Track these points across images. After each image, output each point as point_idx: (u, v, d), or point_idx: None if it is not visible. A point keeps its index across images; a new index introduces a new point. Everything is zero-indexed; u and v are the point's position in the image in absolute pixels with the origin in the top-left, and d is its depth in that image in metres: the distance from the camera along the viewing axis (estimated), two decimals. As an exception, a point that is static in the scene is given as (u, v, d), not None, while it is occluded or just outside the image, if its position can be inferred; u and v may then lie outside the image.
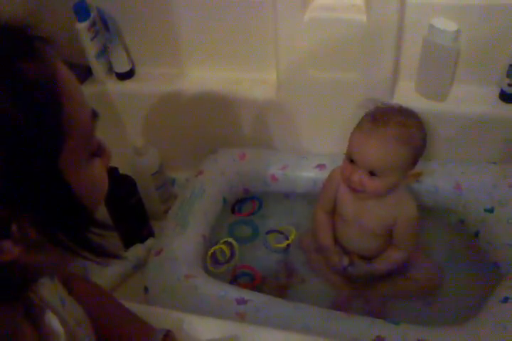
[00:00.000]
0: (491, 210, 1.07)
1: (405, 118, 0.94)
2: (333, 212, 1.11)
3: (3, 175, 0.34)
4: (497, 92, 1.10)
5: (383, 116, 0.93)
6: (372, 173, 0.93)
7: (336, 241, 1.10)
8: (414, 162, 0.96)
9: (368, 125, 0.93)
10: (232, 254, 1.17)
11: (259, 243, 1.21)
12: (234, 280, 1.13)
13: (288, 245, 1.19)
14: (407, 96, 1.12)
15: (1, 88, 0.34)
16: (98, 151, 0.43)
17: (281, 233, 1.22)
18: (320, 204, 1.12)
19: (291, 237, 1.20)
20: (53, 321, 0.48)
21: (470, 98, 1.11)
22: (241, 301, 0.90)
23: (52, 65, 0.38)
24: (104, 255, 0.42)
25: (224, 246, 1.17)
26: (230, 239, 1.18)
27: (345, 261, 1.05)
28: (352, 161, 0.96)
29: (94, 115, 0.42)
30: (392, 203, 1.01)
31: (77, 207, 0.40)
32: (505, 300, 0.90)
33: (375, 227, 1.04)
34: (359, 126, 0.96)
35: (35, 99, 0.35)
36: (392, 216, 1.01)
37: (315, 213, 1.13)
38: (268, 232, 1.23)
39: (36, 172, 0.36)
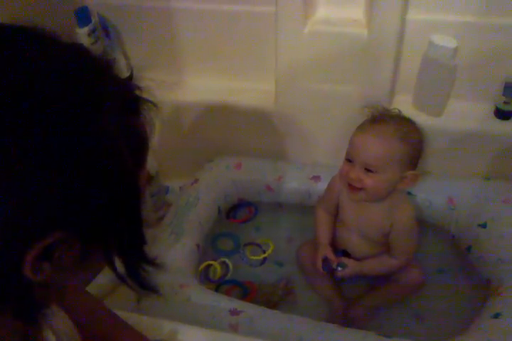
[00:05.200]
0: (483, 225, 1.08)
1: (403, 119, 1.00)
2: (336, 216, 1.11)
3: (101, 207, 0.37)
4: (492, 109, 1.11)
5: (382, 116, 0.98)
6: (368, 170, 0.94)
7: (336, 246, 1.10)
8: (411, 162, 0.97)
9: (367, 125, 0.98)
10: (226, 274, 1.15)
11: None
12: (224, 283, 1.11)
13: (264, 258, 1.18)
14: (404, 110, 1.11)
15: (121, 134, 0.37)
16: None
17: (259, 246, 1.21)
18: (321, 204, 1.12)
19: (268, 251, 1.19)
20: (51, 338, 0.47)
21: (466, 114, 1.13)
22: (234, 312, 0.90)
23: (147, 122, 0.44)
24: (147, 289, 0.45)
25: (218, 265, 1.14)
26: (225, 259, 1.16)
27: (334, 263, 1.04)
28: (350, 161, 0.97)
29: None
30: (389, 208, 1.01)
31: (141, 236, 0.43)
32: (497, 316, 0.90)
33: (374, 234, 1.05)
34: (359, 127, 0.99)
35: (139, 147, 0.41)
36: (388, 221, 1.01)
37: (315, 211, 1.13)
38: (246, 245, 1.21)
39: (129, 206, 0.40)
